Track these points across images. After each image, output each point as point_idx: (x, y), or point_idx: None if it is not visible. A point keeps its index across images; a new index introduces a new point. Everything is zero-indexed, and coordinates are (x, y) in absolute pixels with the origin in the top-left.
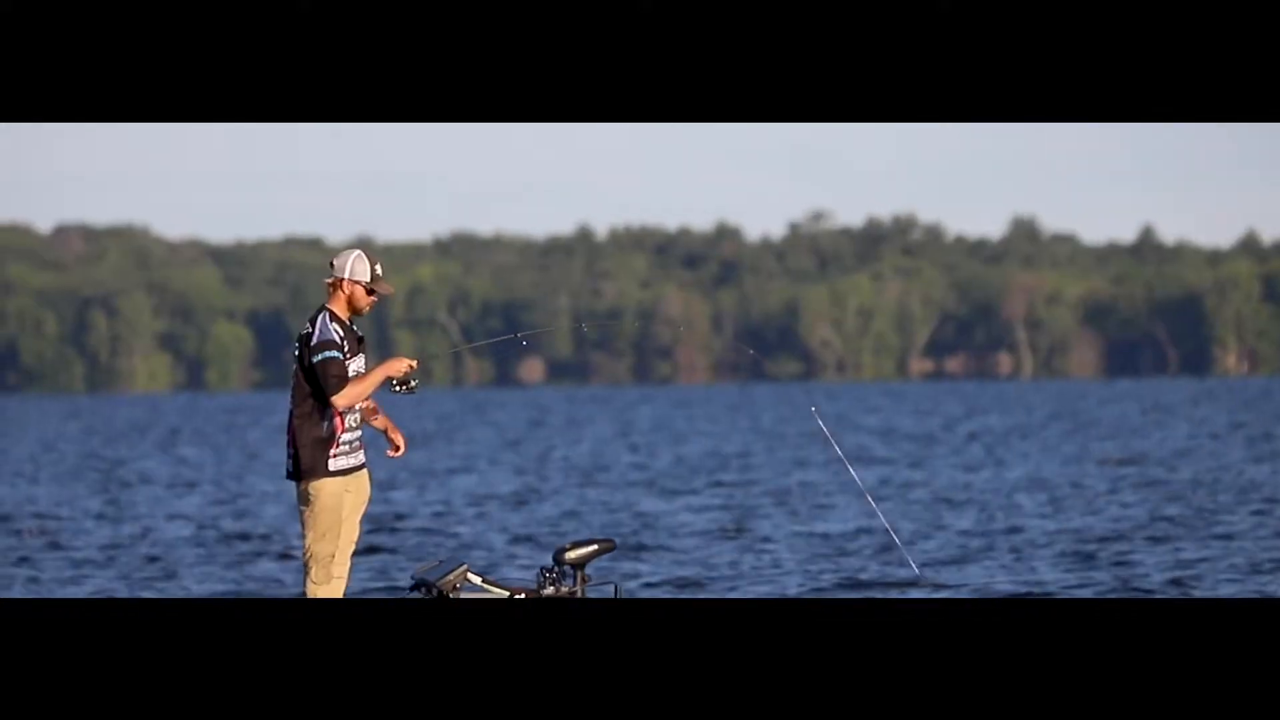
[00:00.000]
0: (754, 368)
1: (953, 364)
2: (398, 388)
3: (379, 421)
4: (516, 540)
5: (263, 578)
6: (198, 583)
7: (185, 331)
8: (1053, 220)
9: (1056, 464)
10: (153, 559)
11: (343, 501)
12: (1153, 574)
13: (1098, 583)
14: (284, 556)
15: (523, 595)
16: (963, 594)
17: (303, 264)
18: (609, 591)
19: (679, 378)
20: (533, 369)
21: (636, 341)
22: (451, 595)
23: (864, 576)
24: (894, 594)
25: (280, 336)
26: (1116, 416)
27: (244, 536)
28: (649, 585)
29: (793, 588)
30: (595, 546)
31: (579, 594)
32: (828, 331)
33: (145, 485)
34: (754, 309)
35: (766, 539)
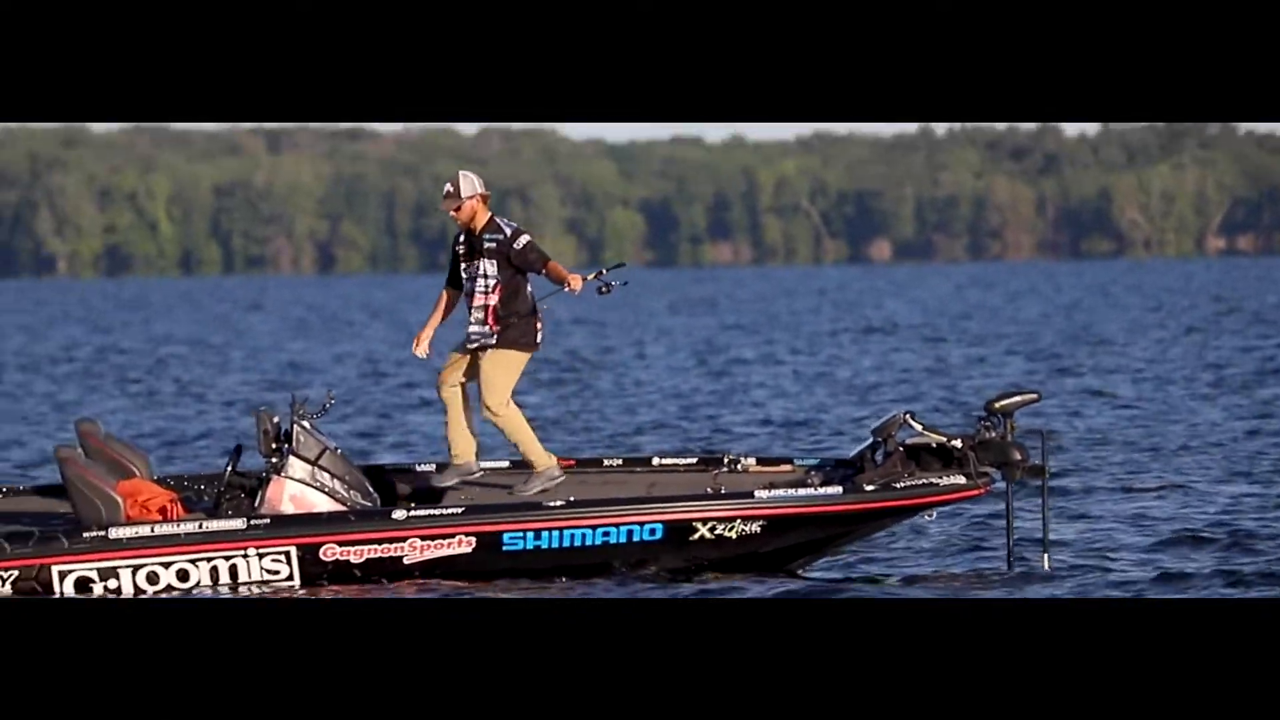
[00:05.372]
0: (1072, 246)
1: (1244, 241)
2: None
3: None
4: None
5: None
6: None
7: (587, 218)
8: None
9: None
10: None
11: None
12: None
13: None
14: None
15: (959, 441)
16: None
17: (684, 159)
18: (1038, 435)
19: (1008, 255)
20: (881, 248)
21: (971, 223)
22: (889, 440)
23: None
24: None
25: (668, 221)
26: None
27: None
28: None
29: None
30: (1022, 397)
31: (1009, 438)
32: (1136, 213)
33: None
34: (1072, 195)
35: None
